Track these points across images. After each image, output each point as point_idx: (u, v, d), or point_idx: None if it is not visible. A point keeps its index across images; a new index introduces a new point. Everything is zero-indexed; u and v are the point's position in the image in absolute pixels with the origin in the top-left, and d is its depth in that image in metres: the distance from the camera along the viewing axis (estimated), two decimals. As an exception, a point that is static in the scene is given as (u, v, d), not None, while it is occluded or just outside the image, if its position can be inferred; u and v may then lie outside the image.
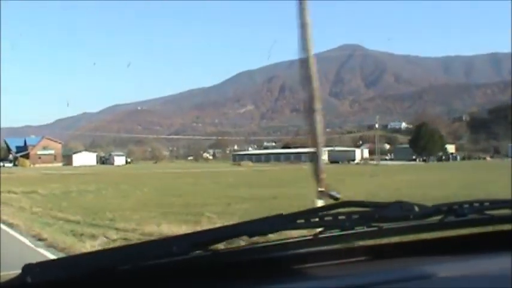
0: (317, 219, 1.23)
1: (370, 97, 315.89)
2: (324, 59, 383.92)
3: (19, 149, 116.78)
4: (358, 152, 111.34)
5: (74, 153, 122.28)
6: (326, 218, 1.24)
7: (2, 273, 1.22)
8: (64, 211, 16.10)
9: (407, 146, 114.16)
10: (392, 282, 1.17)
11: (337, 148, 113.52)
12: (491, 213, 1.42)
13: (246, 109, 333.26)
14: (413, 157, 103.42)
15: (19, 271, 1.06)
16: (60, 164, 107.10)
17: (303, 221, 1.21)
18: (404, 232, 1.38)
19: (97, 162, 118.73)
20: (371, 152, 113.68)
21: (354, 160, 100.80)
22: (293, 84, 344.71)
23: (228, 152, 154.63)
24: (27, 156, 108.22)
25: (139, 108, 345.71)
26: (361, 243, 1.41)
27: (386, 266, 1.34)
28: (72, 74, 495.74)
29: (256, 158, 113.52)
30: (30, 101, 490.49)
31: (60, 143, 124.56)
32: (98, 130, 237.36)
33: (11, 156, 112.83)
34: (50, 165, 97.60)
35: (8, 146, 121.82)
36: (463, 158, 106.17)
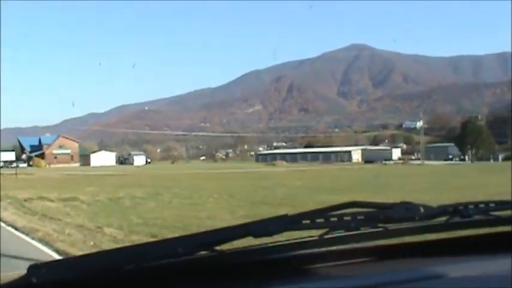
0: (322, 220, 1.23)
1: (379, 97, 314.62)
2: (332, 59, 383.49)
3: (33, 148, 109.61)
4: (395, 151, 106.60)
5: (92, 152, 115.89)
6: (331, 219, 1.23)
7: (8, 274, 1.22)
8: (158, 233, 10.67)
9: (440, 144, 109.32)
10: (398, 283, 1.18)
11: (369, 147, 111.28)
12: (496, 214, 1.42)
13: (254, 109, 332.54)
14: (450, 156, 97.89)
15: (24, 271, 1.06)
16: (77, 165, 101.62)
17: (308, 221, 1.21)
18: (410, 233, 1.38)
19: (116, 162, 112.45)
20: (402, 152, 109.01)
21: (389, 160, 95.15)
22: (301, 84, 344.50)
23: (238, 152, 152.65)
24: (42, 156, 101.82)
25: (146, 108, 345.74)
26: (367, 244, 1.40)
27: (392, 266, 1.34)
28: (79, 74, 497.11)
29: (281, 158, 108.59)
30: (37, 102, 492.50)
31: (77, 142, 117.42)
32: (105, 130, 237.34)
33: (24, 156, 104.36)
34: (66, 165, 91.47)
35: (21, 145, 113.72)
36: (506, 159, 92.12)
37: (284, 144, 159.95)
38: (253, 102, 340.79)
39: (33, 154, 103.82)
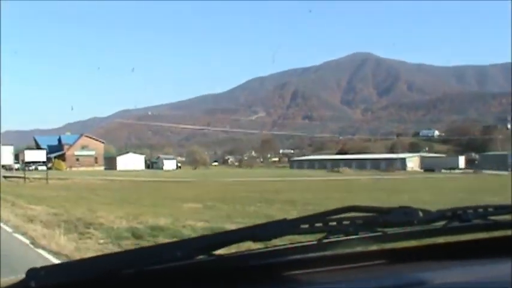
0: (321, 224, 1.22)
1: (383, 105, 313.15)
2: (336, 67, 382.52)
3: (52, 149, 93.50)
4: (461, 159, 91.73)
5: (118, 155, 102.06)
6: (330, 223, 1.23)
7: (6, 278, 1.21)
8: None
9: (497, 153, 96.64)
10: (397, 287, 1.18)
11: (428, 154, 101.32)
12: (495, 218, 1.41)
13: (258, 116, 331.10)
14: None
15: (23, 275, 1.05)
16: (101, 168, 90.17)
17: (306, 226, 1.21)
18: (409, 237, 1.37)
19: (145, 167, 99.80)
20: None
21: (455, 168, 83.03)
22: (305, 91, 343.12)
23: (256, 158, 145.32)
24: (62, 158, 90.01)
25: (149, 113, 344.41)
26: (366, 248, 1.40)
27: (391, 271, 1.34)
28: (81, 78, 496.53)
29: (320, 164, 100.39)
30: (39, 105, 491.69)
31: (101, 142, 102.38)
32: (108, 134, 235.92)
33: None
34: (90, 168, 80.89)
35: (37, 145, 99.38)
36: None
37: (292, 151, 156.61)
38: (256, 109, 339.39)
39: (52, 155, 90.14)
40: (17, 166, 66.03)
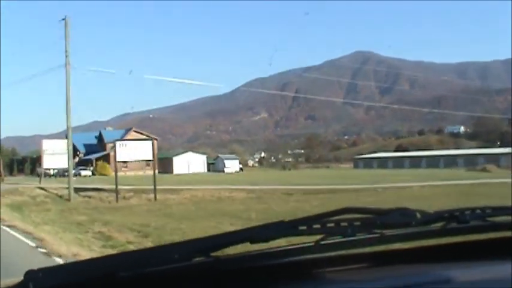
0: (319, 226, 1.22)
1: (387, 103, 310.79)
2: (337, 66, 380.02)
3: (90, 149, 77.10)
4: None
5: (175, 154, 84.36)
6: (328, 225, 1.23)
7: (5, 280, 1.21)
8: None
9: None
10: None
11: None
12: (493, 219, 1.41)
13: (260, 117, 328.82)
14: None
15: (21, 278, 1.05)
16: (153, 172, 53.57)
17: (304, 227, 1.21)
18: (406, 239, 1.37)
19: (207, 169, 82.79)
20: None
21: None
22: (307, 92, 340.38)
23: (271, 159, 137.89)
24: (105, 160, 69.85)
25: (151, 116, 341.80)
26: (363, 249, 1.39)
27: (388, 272, 1.34)
28: (81, 82, 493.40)
29: (394, 163, 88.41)
30: (38, 110, 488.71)
31: (155, 138, 71.63)
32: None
33: (77, 159, 71.94)
34: (140, 173, 58.99)
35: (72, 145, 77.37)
36: None
37: (302, 151, 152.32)
38: (258, 110, 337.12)
39: (92, 156, 73.25)
40: (52, 172, 55.93)
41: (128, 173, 56.09)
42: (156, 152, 72.86)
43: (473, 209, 1.39)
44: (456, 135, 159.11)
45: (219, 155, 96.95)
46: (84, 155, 76.04)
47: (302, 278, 1.27)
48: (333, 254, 1.32)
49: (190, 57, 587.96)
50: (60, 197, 26.87)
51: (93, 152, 74.99)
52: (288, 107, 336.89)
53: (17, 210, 20.67)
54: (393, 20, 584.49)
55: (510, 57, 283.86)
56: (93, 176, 60.37)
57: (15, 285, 1.07)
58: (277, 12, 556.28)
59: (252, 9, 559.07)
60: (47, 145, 32.90)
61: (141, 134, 73.02)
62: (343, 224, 1.23)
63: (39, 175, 44.48)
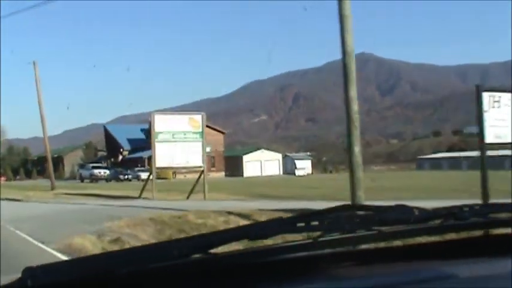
0: (317, 223, 1.22)
1: (389, 105, 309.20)
2: (337, 68, 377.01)
3: (135, 144, 62.83)
4: None
5: (245, 153, 70.29)
6: (326, 221, 1.23)
7: (4, 277, 1.20)
8: None
9: None
10: (392, 285, 1.18)
11: None
12: (491, 216, 1.41)
13: (260, 118, 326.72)
14: None
15: (19, 275, 1.04)
16: (220, 174, 58.72)
17: (303, 224, 1.20)
18: (405, 235, 1.36)
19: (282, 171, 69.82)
20: None
21: None
22: (307, 93, 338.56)
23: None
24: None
25: (150, 119, 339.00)
26: (362, 246, 1.40)
27: (387, 269, 1.33)
28: (79, 84, 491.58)
29: (451, 164, 78.72)
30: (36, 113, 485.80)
31: (222, 132, 65.13)
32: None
33: (120, 157, 63.01)
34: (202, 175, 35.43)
35: (110, 138, 69.15)
36: None
37: (310, 153, 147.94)
38: (258, 112, 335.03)
39: (143, 154, 57.14)
40: (102, 172, 49.94)
41: (188, 176, 41.19)
42: (222, 148, 61.12)
43: (471, 206, 1.39)
44: (475, 136, 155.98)
45: (287, 154, 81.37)
46: (129, 153, 63.48)
47: (301, 274, 1.26)
48: (331, 250, 1.32)
49: (190, 58, 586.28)
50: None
51: (141, 148, 58.17)
52: (288, 109, 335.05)
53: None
54: (393, 22, 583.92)
55: (510, 59, 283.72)
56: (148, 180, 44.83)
57: (13, 282, 1.07)
58: (278, 12, 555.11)
59: (252, 9, 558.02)
60: (162, 125, 21.55)
61: (208, 127, 52.84)
62: (341, 220, 1.24)
63: (139, 179, 37.53)
